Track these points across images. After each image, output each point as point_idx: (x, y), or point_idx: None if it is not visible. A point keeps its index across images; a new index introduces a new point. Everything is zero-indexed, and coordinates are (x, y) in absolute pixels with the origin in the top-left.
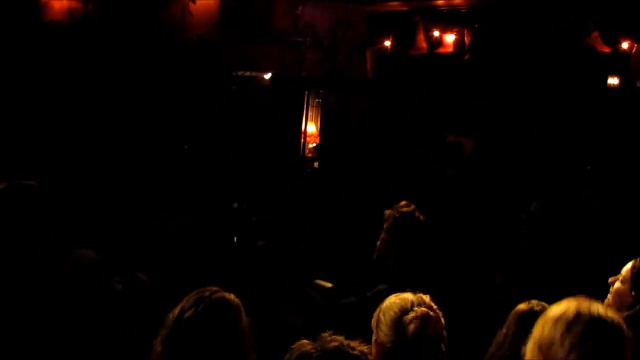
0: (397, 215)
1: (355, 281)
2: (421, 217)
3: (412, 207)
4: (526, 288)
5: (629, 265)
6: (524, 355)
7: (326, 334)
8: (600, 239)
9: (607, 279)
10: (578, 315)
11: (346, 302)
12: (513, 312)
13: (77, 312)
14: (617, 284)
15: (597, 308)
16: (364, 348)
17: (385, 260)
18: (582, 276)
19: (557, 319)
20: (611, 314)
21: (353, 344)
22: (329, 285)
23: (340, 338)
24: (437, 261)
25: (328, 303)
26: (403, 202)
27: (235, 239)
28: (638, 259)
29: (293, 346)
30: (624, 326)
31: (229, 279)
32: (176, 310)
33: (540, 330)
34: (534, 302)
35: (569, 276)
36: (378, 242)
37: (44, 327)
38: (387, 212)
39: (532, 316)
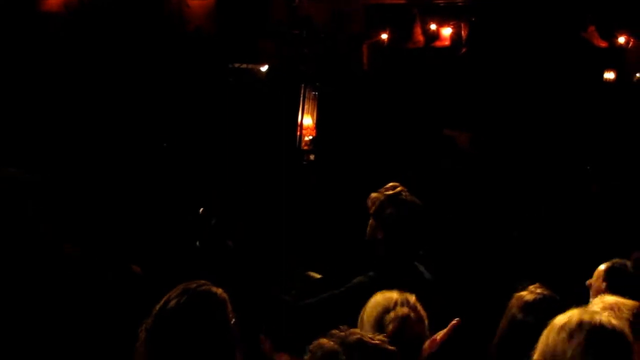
0: (382, 197)
1: (346, 270)
2: (409, 199)
3: (400, 188)
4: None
5: (601, 267)
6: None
7: (337, 331)
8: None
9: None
10: (580, 324)
11: (309, 302)
12: (515, 299)
13: (65, 306)
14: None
15: (600, 317)
16: (382, 336)
17: (373, 246)
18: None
19: (560, 329)
20: (614, 321)
21: (370, 334)
22: (318, 276)
23: (356, 330)
24: (429, 247)
25: (294, 304)
26: (390, 184)
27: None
28: (611, 262)
29: (312, 346)
30: (627, 333)
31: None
32: (162, 300)
33: (545, 340)
34: (536, 288)
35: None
36: (367, 228)
37: (35, 323)
38: (373, 195)
39: (540, 303)
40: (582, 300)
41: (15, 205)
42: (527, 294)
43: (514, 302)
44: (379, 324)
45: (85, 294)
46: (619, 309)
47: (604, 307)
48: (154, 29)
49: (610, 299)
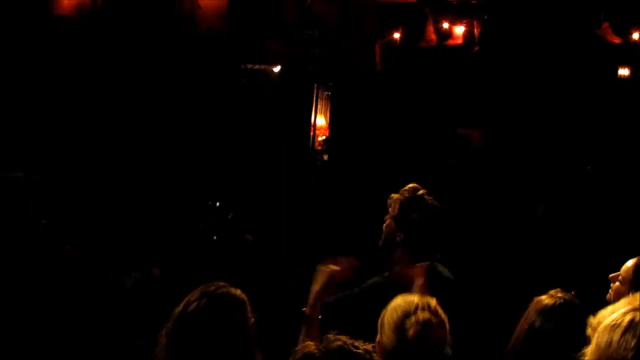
0: (403, 200)
1: (361, 271)
2: (431, 202)
3: (422, 191)
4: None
5: (629, 263)
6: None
7: (331, 335)
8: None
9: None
10: (632, 322)
11: (327, 301)
12: (534, 303)
13: (64, 305)
14: (617, 284)
15: None
16: (369, 346)
17: (390, 248)
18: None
19: (612, 328)
20: None
21: (357, 343)
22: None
23: (344, 337)
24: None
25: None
26: (410, 185)
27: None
28: (638, 258)
29: (297, 347)
30: None
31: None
32: (181, 304)
33: (605, 343)
34: (556, 292)
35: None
36: (383, 228)
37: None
38: (394, 196)
39: (560, 310)
40: (597, 298)
41: (16, 205)
42: (547, 298)
43: (532, 306)
44: (400, 328)
45: (84, 293)
46: None
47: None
48: (166, 30)
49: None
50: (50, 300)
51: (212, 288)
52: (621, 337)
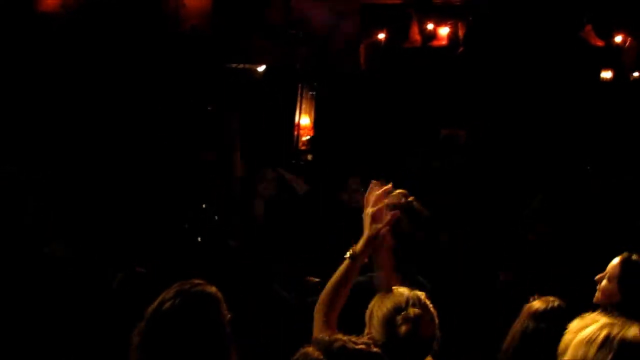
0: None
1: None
2: (419, 209)
3: (411, 198)
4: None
5: (615, 261)
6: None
7: (324, 336)
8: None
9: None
10: (608, 337)
11: (313, 299)
12: (527, 309)
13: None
14: (604, 282)
15: (629, 330)
16: (365, 339)
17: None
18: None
19: (588, 342)
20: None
21: (353, 338)
22: (316, 280)
23: (340, 335)
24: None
25: (297, 300)
26: (399, 191)
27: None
28: (625, 255)
29: (296, 355)
30: None
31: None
32: (156, 302)
33: (573, 353)
34: (549, 298)
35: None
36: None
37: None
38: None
39: (551, 313)
40: (587, 300)
41: (16, 202)
42: (537, 304)
43: (525, 310)
44: (390, 324)
45: (77, 291)
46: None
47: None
48: (150, 28)
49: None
50: (39, 299)
51: (187, 286)
52: (597, 352)
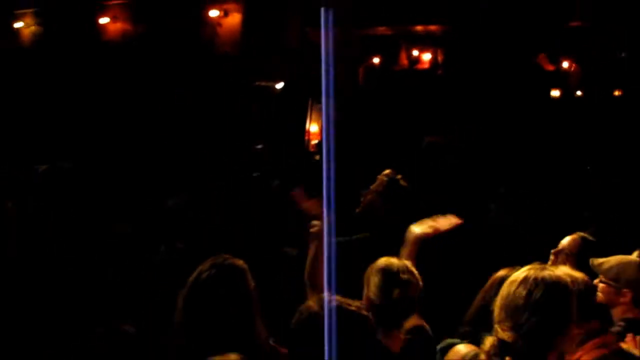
0: (387, 180)
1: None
2: (404, 183)
3: (399, 175)
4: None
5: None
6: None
7: (324, 295)
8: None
9: None
10: (537, 279)
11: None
12: (492, 278)
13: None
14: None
15: (554, 272)
16: (358, 303)
17: (370, 215)
18: None
19: (520, 283)
20: (565, 276)
21: (350, 300)
22: (294, 252)
23: (338, 297)
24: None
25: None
26: (388, 171)
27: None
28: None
29: (300, 308)
30: (570, 283)
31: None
32: (195, 273)
33: (505, 294)
34: (512, 269)
35: None
36: (362, 200)
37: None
38: (381, 177)
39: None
40: None
41: (64, 190)
42: (501, 273)
43: (489, 281)
44: (385, 287)
45: (132, 265)
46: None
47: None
48: (192, 52)
49: (565, 268)
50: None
51: (220, 260)
52: (516, 289)
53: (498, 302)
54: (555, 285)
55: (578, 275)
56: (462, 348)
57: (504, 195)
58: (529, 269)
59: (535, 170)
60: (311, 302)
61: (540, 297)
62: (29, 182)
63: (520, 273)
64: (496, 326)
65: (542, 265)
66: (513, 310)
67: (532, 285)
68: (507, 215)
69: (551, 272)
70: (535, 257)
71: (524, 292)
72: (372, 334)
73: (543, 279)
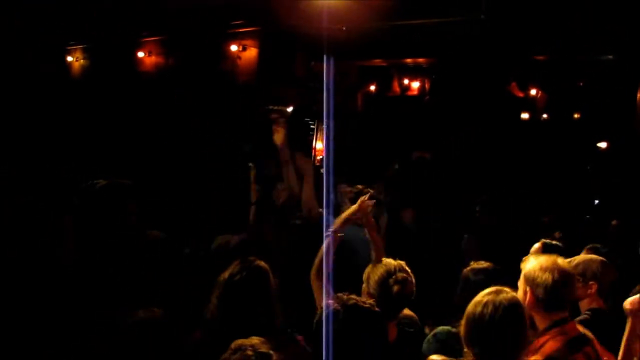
0: (355, 191)
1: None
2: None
3: (369, 190)
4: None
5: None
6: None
7: (341, 295)
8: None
9: None
10: (488, 301)
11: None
12: (468, 267)
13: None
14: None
15: (504, 295)
16: (371, 301)
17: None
18: None
19: (479, 303)
20: (512, 299)
21: (364, 298)
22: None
23: (354, 295)
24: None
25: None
26: (360, 186)
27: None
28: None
29: (322, 305)
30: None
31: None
32: (226, 274)
33: (469, 310)
34: (484, 262)
35: None
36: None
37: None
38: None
39: (484, 270)
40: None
41: (121, 204)
42: (476, 265)
43: (467, 269)
44: (384, 285)
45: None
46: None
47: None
48: (215, 81)
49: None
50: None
51: (247, 262)
52: (479, 309)
53: (464, 321)
54: (514, 308)
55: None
56: (436, 358)
57: (487, 200)
58: (487, 292)
59: (509, 180)
60: (331, 301)
61: (501, 319)
62: (86, 197)
63: (482, 295)
64: (466, 350)
65: (498, 289)
66: (473, 331)
67: (491, 306)
68: (490, 216)
69: (505, 295)
70: (512, 250)
71: (487, 316)
72: (384, 329)
73: (500, 302)
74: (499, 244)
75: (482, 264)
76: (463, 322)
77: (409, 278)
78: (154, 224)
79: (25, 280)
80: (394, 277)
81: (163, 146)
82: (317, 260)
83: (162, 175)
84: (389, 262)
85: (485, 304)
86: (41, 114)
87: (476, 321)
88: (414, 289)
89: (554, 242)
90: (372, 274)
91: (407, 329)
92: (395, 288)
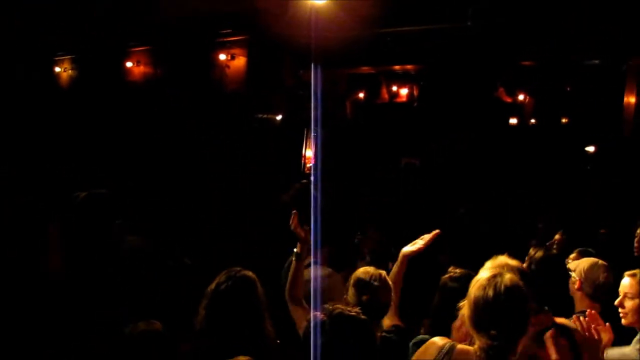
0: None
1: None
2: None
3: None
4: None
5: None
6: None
7: (328, 305)
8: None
9: None
10: (489, 280)
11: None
12: (446, 275)
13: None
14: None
15: (504, 275)
16: (357, 309)
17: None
18: None
19: (479, 285)
20: (513, 277)
21: (349, 307)
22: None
23: (339, 304)
24: None
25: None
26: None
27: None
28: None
29: (308, 317)
30: (521, 284)
31: None
32: (213, 284)
33: (470, 293)
34: (461, 269)
35: None
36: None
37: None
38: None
39: (461, 277)
40: None
41: (100, 213)
42: (453, 272)
43: (445, 277)
44: (358, 292)
45: (150, 273)
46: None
47: (493, 265)
48: (204, 90)
49: (501, 258)
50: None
51: (234, 272)
52: (480, 289)
53: (467, 303)
54: (517, 291)
55: (514, 263)
56: (438, 340)
57: (473, 203)
58: (489, 273)
59: (497, 183)
60: (317, 313)
61: (505, 302)
62: (70, 207)
63: (482, 276)
64: (472, 333)
65: (497, 272)
66: (483, 314)
67: (494, 286)
68: (475, 218)
69: (509, 276)
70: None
71: (491, 293)
72: (372, 335)
73: (503, 282)
74: (484, 248)
75: (460, 271)
76: (468, 310)
77: (384, 287)
78: (138, 231)
79: (10, 288)
80: (367, 285)
81: (152, 155)
82: (289, 280)
83: (151, 183)
84: (368, 270)
85: (485, 284)
86: (28, 123)
87: (488, 303)
88: (389, 299)
89: (588, 249)
90: (350, 282)
91: (390, 336)
92: (364, 298)
